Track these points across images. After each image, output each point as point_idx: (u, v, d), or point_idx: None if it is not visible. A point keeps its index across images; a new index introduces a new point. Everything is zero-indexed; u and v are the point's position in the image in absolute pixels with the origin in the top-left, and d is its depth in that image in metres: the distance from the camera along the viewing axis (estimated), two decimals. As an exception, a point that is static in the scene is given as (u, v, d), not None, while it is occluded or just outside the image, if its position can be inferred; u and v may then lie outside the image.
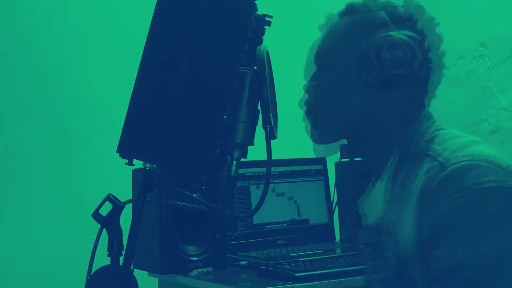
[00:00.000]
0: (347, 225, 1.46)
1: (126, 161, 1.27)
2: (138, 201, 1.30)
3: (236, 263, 2.23)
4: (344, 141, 2.72)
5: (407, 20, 1.35)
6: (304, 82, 1.44)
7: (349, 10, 1.40)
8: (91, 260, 1.38)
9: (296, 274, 1.98)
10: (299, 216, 2.55)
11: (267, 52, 1.32)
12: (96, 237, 1.39)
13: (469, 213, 1.18)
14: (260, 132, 1.29)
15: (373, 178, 1.40)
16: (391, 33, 1.31)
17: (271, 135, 1.29)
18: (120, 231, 1.37)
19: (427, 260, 1.21)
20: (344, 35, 1.38)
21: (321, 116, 1.39)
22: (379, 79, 1.30)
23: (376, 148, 1.36)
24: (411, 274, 1.25)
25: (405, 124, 1.34)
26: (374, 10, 1.36)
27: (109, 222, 1.37)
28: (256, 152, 1.32)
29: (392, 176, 1.32)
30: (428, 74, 1.35)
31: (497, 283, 1.15)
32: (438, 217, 1.19)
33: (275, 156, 1.28)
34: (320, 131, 1.40)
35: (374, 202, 1.36)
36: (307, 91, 1.41)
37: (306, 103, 1.41)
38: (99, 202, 1.38)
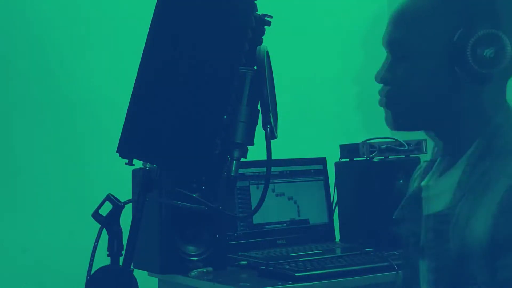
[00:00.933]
0: (402, 206, 1.40)
1: (126, 161, 1.27)
2: (138, 201, 1.30)
3: (236, 263, 2.24)
4: (344, 141, 2.71)
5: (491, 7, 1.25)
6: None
7: None
8: (91, 260, 1.38)
9: (296, 274, 1.98)
10: (299, 216, 2.54)
11: (267, 52, 1.32)
12: (96, 237, 1.38)
13: None
14: (260, 132, 1.29)
15: (438, 161, 1.34)
16: (485, 28, 1.22)
17: (271, 135, 1.29)
18: (120, 231, 1.37)
19: (494, 262, 1.16)
20: (427, 22, 1.27)
21: (403, 107, 1.30)
22: (473, 76, 1.23)
23: (457, 137, 1.29)
24: (471, 271, 1.19)
25: (490, 114, 1.27)
26: None
27: (109, 222, 1.36)
28: (256, 152, 1.32)
29: (472, 166, 1.25)
30: None
31: None
32: None
33: (275, 156, 1.28)
34: (402, 121, 1.32)
35: (443, 189, 1.29)
36: (385, 82, 1.32)
37: (387, 95, 1.32)
38: (99, 202, 1.38)
